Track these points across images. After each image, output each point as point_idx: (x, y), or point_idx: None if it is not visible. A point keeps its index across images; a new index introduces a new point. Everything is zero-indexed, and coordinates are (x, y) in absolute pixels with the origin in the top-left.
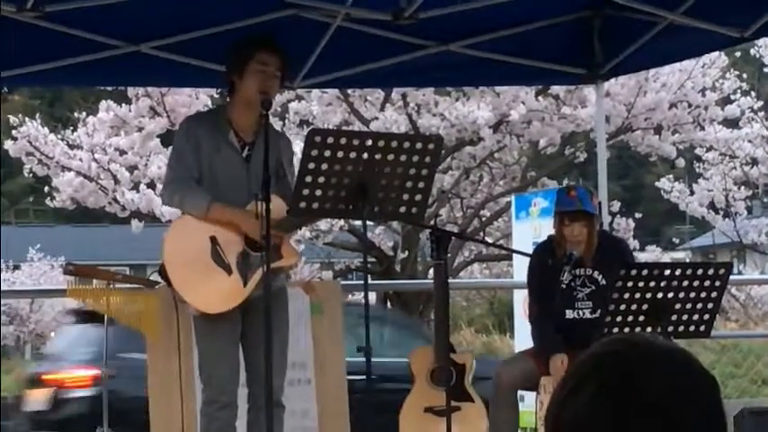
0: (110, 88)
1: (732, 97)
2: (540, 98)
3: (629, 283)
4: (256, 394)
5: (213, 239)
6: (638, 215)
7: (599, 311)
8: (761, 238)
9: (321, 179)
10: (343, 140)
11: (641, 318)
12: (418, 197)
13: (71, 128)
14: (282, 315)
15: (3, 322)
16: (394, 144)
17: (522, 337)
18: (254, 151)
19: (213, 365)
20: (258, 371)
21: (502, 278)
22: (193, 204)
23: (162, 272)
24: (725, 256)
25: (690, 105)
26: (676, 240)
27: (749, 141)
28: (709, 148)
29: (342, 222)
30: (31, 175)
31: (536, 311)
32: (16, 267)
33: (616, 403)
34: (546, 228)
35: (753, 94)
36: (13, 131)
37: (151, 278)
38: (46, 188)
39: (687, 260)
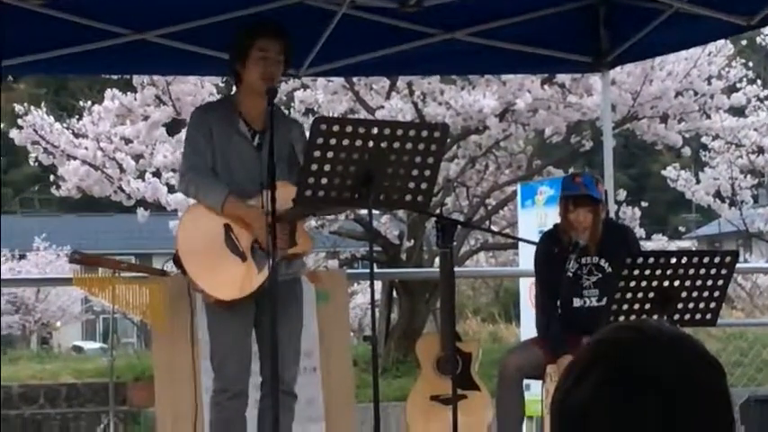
0: (115, 77)
1: (738, 85)
2: (545, 87)
3: (636, 272)
4: (268, 383)
5: (227, 227)
6: (644, 204)
7: (605, 299)
8: (767, 226)
9: (327, 167)
10: (348, 129)
11: (647, 306)
12: (424, 185)
13: (76, 116)
14: (296, 305)
15: (8, 311)
16: (399, 132)
17: (528, 326)
18: (264, 139)
19: (225, 354)
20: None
21: (508, 267)
22: (210, 197)
23: (176, 260)
24: (731, 245)
25: (696, 94)
26: (682, 229)
27: (755, 130)
28: (716, 137)
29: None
30: (36, 163)
31: (542, 300)
32: (22, 256)
33: (622, 390)
34: (552, 216)
35: (759, 82)
36: (19, 120)
37: (165, 267)
38: (51, 177)
39: (693, 248)
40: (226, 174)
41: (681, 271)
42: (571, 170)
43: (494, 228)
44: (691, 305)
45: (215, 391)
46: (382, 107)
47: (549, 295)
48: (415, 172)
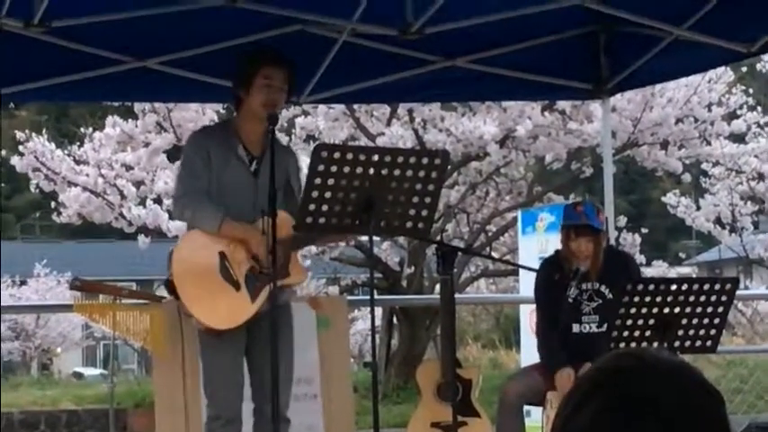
0: (116, 104)
1: (738, 112)
2: (546, 113)
3: (636, 298)
4: (261, 409)
5: (222, 255)
6: (644, 230)
7: (606, 326)
8: (767, 253)
9: (327, 194)
10: (349, 155)
11: (648, 333)
12: (424, 212)
13: (78, 143)
14: (286, 331)
15: (9, 338)
16: (400, 159)
17: (529, 352)
18: (261, 165)
19: (218, 381)
20: (263, 386)
21: (508, 293)
22: (205, 220)
23: (169, 285)
24: (731, 272)
25: (696, 120)
26: (683, 255)
27: (755, 156)
28: (716, 163)
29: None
30: (37, 190)
31: (542, 326)
32: (23, 283)
33: (621, 418)
34: (552, 243)
35: (759, 108)
36: (20, 147)
37: (157, 292)
38: (52, 203)
39: (693, 275)
40: (220, 199)
41: (681, 298)
42: (572, 197)
43: (494, 254)
44: (691, 332)
45: (209, 417)
46: (383, 134)
47: (550, 321)
48: (415, 199)
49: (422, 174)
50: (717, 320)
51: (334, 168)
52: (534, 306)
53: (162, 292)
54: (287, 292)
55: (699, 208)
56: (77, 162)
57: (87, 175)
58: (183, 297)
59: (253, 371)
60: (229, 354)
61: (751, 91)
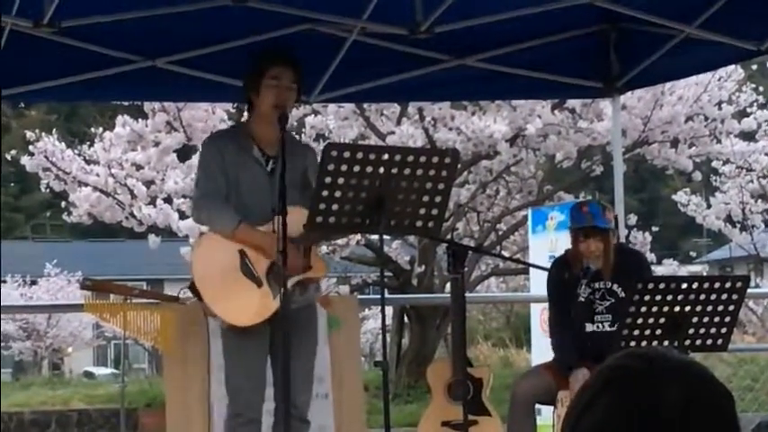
0: (126, 103)
1: (748, 110)
2: (556, 112)
3: (647, 297)
4: (282, 409)
5: (242, 253)
6: (654, 228)
7: (617, 325)
8: None
9: (338, 193)
10: (359, 155)
11: (658, 331)
12: (435, 211)
13: (88, 143)
14: (310, 332)
15: (20, 337)
16: (410, 158)
17: (539, 351)
18: (278, 165)
19: (240, 380)
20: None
21: (519, 292)
22: (222, 224)
23: (192, 287)
24: (742, 270)
25: (706, 118)
26: (693, 254)
27: (766, 154)
28: (726, 161)
29: (358, 236)
30: (47, 190)
31: (555, 325)
32: (33, 283)
33: (631, 417)
34: (563, 241)
35: None
36: (30, 147)
37: (180, 294)
38: (63, 203)
39: (704, 273)
40: (238, 199)
41: (692, 296)
42: (582, 195)
43: (505, 253)
44: (702, 330)
45: (229, 415)
46: (393, 133)
47: (563, 320)
48: (425, 197)
49: (432, 173)
50: (728, 319)
51: (344, 167)
52: (545, 305)
53: (170, 290)
54: (311, 289)
55: (709, 206)
56: (87, 162)
57: (97, 174)
58: (205, 297)
59: (276, 370)
60: (253, 353)
61: (761, 89)
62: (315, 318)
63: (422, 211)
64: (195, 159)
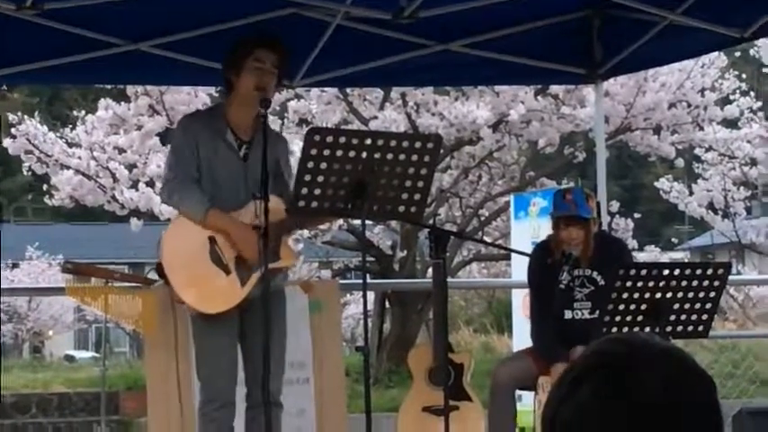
0: (109, 86)
1: (731, 97)
2: (539, 98)
3: (628, 283)
4: (254, 393)
5: (212, 239)
6: (636, 215)
7: (598, 312)
8: (759, 238)
9: (320, 178)
10: (342, 139)
11: (640, 318)
12: (417, 196)
13: (70, 126)
14: (280, 315)
15: (1, 320)
16: (393, 143)
17: (521, 337)
18: (251, 150)
19: (211, 365)
20: (256, 370)
21: (500, 278)
22: (191, 208)
23: (159, 270)
24: (724, 257)
25: (689, 105)
26: (675, 240)
27: (748, 142)
28: (709, 149)
29: (340, 221)
30: (29, 173)
31: (537, 313)
32: (15, 265)
33: (612, 403)
34: (545, 227)
35: (752, 94)
36: (12, 129)
37: (149, 276)
38: (45, 186)
39: (686, 260)
40: (210, 184)
41: (673, 283)
42: (564, 182)
43: (486, 239)
44: (683, 317)
45: (202, 401)
46: (376, 118)
47: (543, 305)
48: (408, 183)
49: (414, 158)
50: (709, 305)
51: (326, 152)
52: (527, 290)
53: (153, 275)
54: (279, 277)
55: (692, 193)
56: (70, 145)
57: (80, 157)
58: (173, 282)
59: (246, 356)
60: (222, 338)
61: (744, 76)
62: (283, 302)
63: (404, 196)
64: None
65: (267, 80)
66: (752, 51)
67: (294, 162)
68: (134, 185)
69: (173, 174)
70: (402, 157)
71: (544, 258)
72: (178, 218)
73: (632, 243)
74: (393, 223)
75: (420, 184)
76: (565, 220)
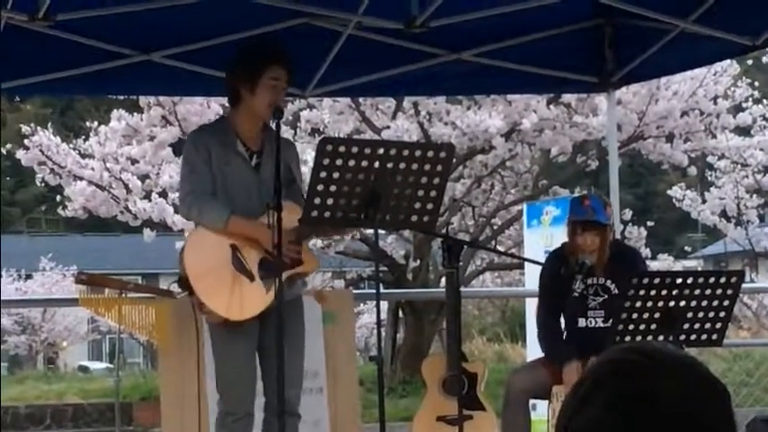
0: (121, 97)
1: (744, 105)
2: (551, 106)
3: (642, 292)
4: (272, 403)
5: (234, 247)
6: (649, 223)
7: (611, 320)
8: None
9: (333, 188)
10: (354, 149)
11: (653, 326)
12: (430, 206)
13: (83, 137)
14: (298, 325)
15: (15, 331)
16: (405, 153)
17: (535, 346)
18: (262, 159)
19: (231, 377)
20: (274, 380)
21: (514, 287)
22: (212, 218)
23: (182, 282)
24: (737, 265)
25: (701, 113)
26: (688, 249)
27: (761, 149)
28: (721, 156)
29: (354, 231)
30: (42, 184)
31: (543, 317)
32: (28, 277)
33: (626, 412)
34: (558, 236)
35: (765, 101)
36: (25, 140)
37: (171, 288)
38: (58, 197)
39: (699, 268)
40: (224, 196)
41: (687, 291)
42: (577, 190)
43: (500, 248)
44: (696, 325)
45: (221, 413)
46: (388, 127)
47: (551, 312)
48: (420, 192)
49: (427, 167)
50: (722, 314)
51: (339, 162)
52: None
53: (165, 284)
54: (299, 284)
55: (704, 201)
56: (83, 156)
57: (93, 168)
58: (198, 292)
59: (264, 364)
60: (242, 349)
61: (756, 84)
62: (301, 310)
63: (417, 205)
64: None
65: (281, 97)
66: (764, 59)
67: (307, 172)
68: (147, 196)
69: (189, 188)
70: (415, 166)
71: (558, 267)
72: (196, 230)
73: (645, 251)
74: (406, 233)
75: (433, 193)
76: (582, 225)
